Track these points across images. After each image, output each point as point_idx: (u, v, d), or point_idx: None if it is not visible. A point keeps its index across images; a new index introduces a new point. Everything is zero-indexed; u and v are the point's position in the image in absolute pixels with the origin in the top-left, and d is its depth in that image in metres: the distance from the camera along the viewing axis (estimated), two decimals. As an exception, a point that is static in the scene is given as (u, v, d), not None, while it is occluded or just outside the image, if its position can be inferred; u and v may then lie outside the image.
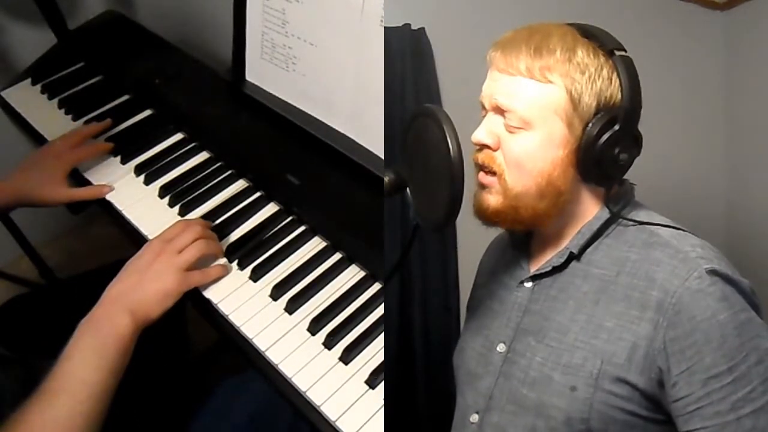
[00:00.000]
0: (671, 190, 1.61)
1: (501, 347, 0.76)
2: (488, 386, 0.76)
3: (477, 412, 0.77)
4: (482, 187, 0.73)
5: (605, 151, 0.68)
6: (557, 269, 0.74)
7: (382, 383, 0.85)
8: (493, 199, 0.72)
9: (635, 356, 0.66)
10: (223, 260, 0.98)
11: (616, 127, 0.68)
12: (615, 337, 0.67)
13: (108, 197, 1.09)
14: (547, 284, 0.75)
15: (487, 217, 0.73)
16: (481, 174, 0.73)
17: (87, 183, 1.12)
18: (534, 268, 0.78)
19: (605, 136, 0.68)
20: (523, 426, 0.72)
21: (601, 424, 0.67)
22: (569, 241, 0.74)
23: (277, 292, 0.94)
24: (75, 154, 1.10)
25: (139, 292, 0.86)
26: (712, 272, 0.65)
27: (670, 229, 0.71)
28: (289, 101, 1.15)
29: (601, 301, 0.70)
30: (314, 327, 0.90)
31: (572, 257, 0.73)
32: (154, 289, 0.87)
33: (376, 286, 0.96)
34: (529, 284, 0.77)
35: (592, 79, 0.68)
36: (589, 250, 0.73)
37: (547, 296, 0.75)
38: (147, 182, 1.10)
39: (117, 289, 0.86)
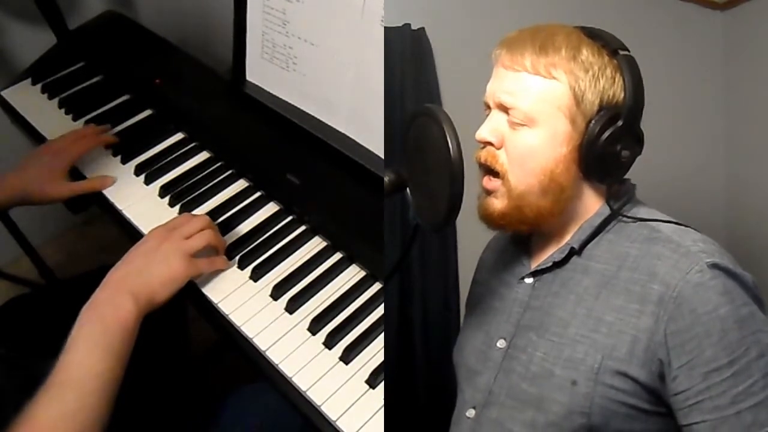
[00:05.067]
0: (671, 189, 1.61)
1: (501, 343, 0.77)
2: (487, 382, 0.76)
3: (474, 407, 0.77)
4: (487, 193, 0.73)
5: (607, 147, 0.69)
6: (558, 265, 0.75)
7: (383, 383, 0.85)
8: (498, 203, 0.72)
9: (636, 350, 0.66)
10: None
11: (619, 124, 0.69)
12: (615, 330, 0.68)
13: (108, 196, 1.08)
14: (548, 280, 0.75)
15: (493, 220, 0.73)
16: (485, 179, 0.73)
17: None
18: (535, 264, 0.78)
19: (607, 133, 0.69)
20: (522, 421, 0.72)
21: (602, 418, 0.68)
22: (570, 236, 0.74)
23: (277, 292, 0.94)
24: (75, 148, 1.10)
25: (144, 275, 0.85)
26: (714, 266, 0.65)
27: (672, 225, 0.71)
28: (290, 101, 1.15)
29: (602, 295, 0.70)
30: (315, 327, 0.90)
31: (573, 252, 0.74)
32: (159, 273, 0.86)
33: (376, 286, 0.96)
34: (529, 280, 0.77)
35: (596, 78, 0.69)
36: (590, 245, 0.73)
37: (548, 292, 0.75)
38: (147, 182, 1.10)
39: (120, 272, 0.86)
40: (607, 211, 0.73)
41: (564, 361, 0.70)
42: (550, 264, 0.75)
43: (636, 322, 0.67)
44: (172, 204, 1.07)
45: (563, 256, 0.74)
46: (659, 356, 0.65)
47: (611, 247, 0.72)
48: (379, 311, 0.93)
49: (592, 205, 0.74)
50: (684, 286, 0.65)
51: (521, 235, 0.81)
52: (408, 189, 0.75)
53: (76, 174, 1.13)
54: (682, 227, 0.71)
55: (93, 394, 0.75)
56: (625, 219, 0.73)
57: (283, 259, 0.99)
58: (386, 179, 0.74)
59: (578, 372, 0.68)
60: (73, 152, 1.10)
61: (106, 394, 0.76)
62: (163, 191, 1.08)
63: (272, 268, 0.97)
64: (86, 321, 0.80)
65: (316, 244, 1.01)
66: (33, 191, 1.07)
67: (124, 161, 1.14)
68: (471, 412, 0.77)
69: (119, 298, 0.82)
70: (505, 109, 0.71)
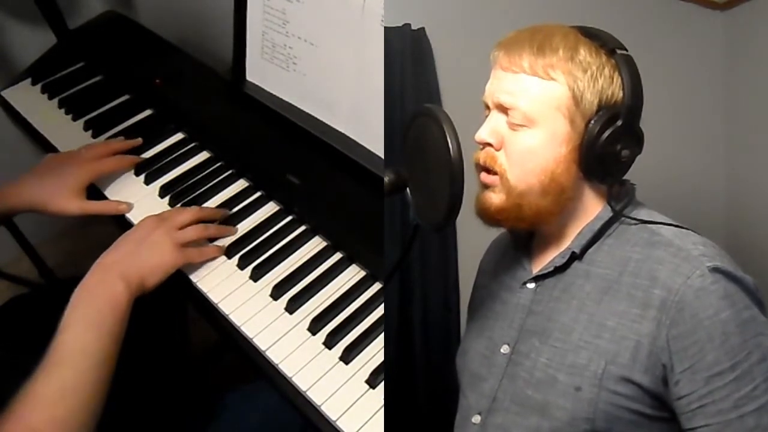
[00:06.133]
0: (671, 190, 1.61)
1: (505, 348, 0.76)
2: (492, 387, 0.76)
3: (479, 413, 0.77)
4: (485, 186, 0.73)
5: (607, 147, 0.69)
6: (559, 269, 0.74)
7: (383, 383, 0.85)
8: (496, 198, 0.72)
9: (639, 355, 0.66)
10: (222, 243, 0.99)
11: (618, 124, 0.69)
12: (618, 336, 0.68)
13: (108, 196, 1.08)
14: (550, 285, 0.75)
15: (490, 215, 0.73)
16: (483, 174, 0.73)
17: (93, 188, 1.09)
18: (536, 268, 0.78)
19: (607, 133, 0.69)
20: (527, 427, 0.72)
21: (606, 423, 0.67)
22: (571, 241, 0.74)
23: (277, 292, 0.94)
24: (98, 166, 1.06)
25: (135, 260, 0.87)
26: (715, 270, 0.65)
27: (672, 228, 0.71)
28: (290, 101, 1.15)
29: (604, 300, 0.70)
30: (315, 327, 0.90)
31: (574, 257, 0.73)
32: (150, 258, 0.88)
33: (376, 286, 0.96)
34: (531, 285, 0.77)
35: (594, 78, 0.69)
36: (591, 249, 0.73)
37: (550, 297, 0.75)
38: (147, 182, 1.10)
39: (111, 257, 0.87)
40: (607, 215, 0.73)
41: (567, 367, 0.70)
42: (552, 269, 0.75)
43: (638, 327, 0.67)
44: (172, 204, 1.07)
45: (564, 260, 0.73)
46: (662, 361, 0.65)
47: (612, 252, 0.72)
48: (379, 311, 0.93)
49: (592, 206, 0.74)
50: (686, 290, 0.64)
51: (521, 238, 0.81)
52: (408, 189, 0.75)
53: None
54: (683, 230, 0.71)
55: (89, 371, 0.75)
56: (625, 221, 0.73)
57: (283, 259, 0.99)
58: (386, 179, 0.74)
59: (582, 378, 0.68)
60: (97, 169, 1.05)
61: (102, 372, 0.77)
62: (163, 191, 1.08)
63: (272, 268, 0.97)
64: (78, 303, 0.81)
65: (316, 244, 1.01)
66: (46, 201, 1.02)
67: (124, 161, 1.14)
68: (477, 418, 0.77)
69: (110, 280, 0.83)
70: (504, 109, 0.71)
